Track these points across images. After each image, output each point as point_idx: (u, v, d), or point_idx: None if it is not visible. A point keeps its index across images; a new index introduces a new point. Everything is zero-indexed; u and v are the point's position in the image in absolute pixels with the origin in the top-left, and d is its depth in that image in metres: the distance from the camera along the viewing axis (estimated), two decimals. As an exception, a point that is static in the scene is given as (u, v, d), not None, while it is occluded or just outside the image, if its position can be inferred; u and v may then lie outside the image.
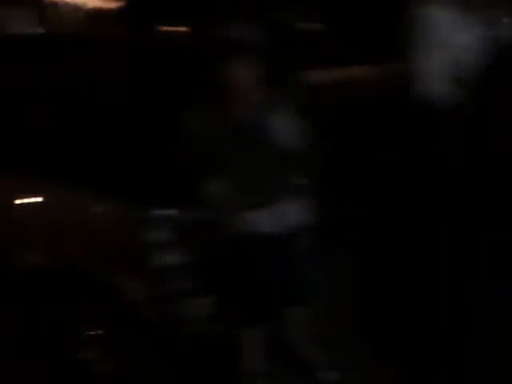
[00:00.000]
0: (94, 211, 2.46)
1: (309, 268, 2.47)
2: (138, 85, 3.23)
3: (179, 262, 2.36)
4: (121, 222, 2.40)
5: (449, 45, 2.55)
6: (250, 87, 2.23)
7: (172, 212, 2.37)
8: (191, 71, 3.12)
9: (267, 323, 2.45)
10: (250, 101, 2.24)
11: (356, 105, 3.92)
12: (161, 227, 2.33)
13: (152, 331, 2.43)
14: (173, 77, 3.22)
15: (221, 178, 2.32)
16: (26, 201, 2.60)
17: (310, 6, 5.53)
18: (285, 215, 2.33)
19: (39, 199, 2.60)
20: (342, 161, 3.16)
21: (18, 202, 2.60)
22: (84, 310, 2.50)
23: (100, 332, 2.55)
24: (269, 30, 2.33)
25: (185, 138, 2.29)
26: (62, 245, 2.47)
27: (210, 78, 2.32)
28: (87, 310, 2.50)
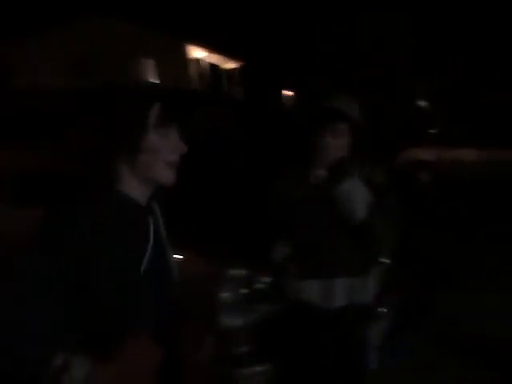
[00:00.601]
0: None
1: (369, 350, 2.36)
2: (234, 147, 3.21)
3: (243, 325, 2.30)
4: (197, 275, 2.33)
5: None
6: (339, 156, 2.20)
7: (246, 273, 2.33)
8: (289, 135, 3.11)
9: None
10: (336, 169, 2.20)
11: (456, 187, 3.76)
12: (233, 287, 2.29)
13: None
14: (270, 139, 3.20)
15: (290, 244, 2.27)
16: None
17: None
18: (352, 290, 2.23)
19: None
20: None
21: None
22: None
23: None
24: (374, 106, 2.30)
25: (270, 202, 2.28)
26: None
27: (303, 142, 2.31)
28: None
